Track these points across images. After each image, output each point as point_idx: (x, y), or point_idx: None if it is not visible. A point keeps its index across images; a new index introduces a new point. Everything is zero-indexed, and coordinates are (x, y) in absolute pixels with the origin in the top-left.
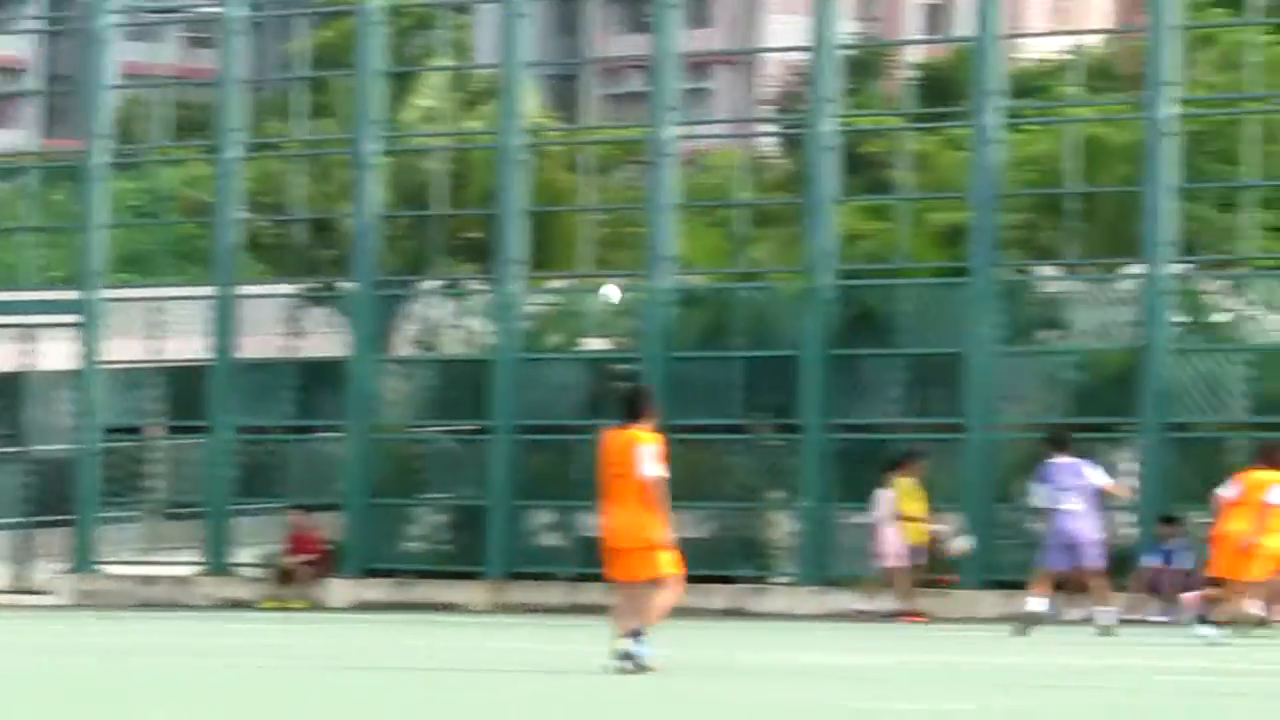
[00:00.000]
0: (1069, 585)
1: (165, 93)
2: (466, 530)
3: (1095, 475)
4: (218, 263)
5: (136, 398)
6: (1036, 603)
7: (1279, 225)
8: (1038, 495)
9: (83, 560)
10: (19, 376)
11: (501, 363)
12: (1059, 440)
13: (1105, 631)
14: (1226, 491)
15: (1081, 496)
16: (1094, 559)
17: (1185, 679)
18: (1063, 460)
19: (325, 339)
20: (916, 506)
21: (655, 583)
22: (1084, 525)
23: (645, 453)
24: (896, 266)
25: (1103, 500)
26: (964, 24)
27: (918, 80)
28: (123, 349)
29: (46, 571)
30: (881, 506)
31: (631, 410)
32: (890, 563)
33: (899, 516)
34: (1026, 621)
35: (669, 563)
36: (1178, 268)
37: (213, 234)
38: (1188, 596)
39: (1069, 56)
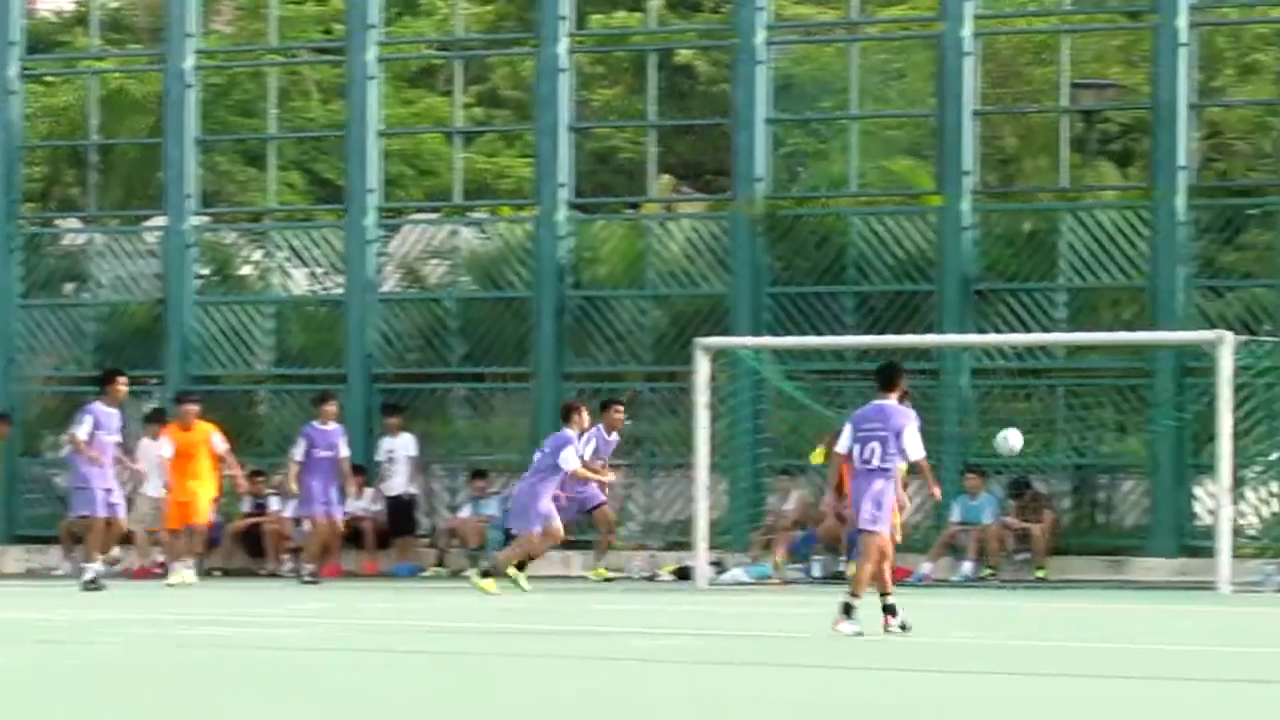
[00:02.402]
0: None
1: None
2: None
3: (81, 427)
4: None
5: None
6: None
7: (299, 180)
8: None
9: None
10: None
11: None
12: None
13: (90, 586)
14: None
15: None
16: (114, 511)
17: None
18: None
19: None
20: None
21: None
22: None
23: None
24: None
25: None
26: None
27: None
28: None
29: None
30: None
31: None
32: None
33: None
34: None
35: None
36: (200, 220)
37: None
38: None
39: (87, 9)
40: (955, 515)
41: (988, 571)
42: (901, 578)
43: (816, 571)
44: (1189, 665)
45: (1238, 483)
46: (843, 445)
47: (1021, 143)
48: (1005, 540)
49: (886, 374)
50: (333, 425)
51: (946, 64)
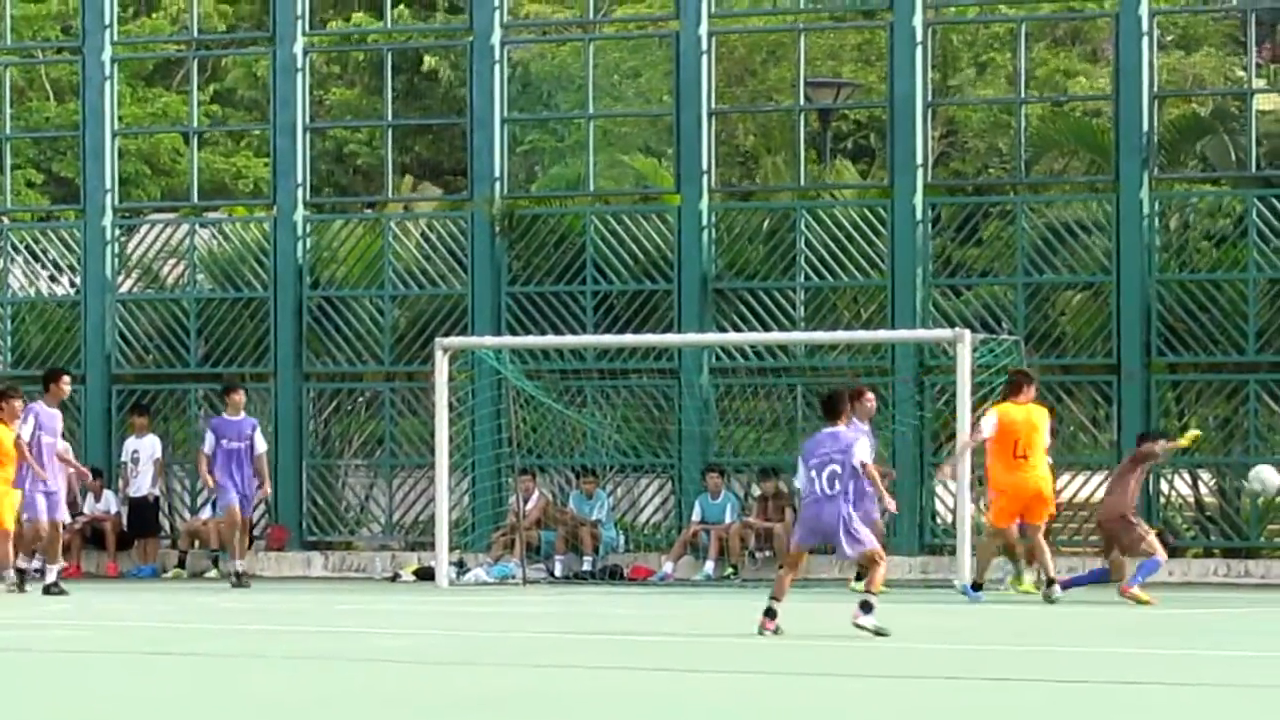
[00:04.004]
0: None
1: None
2: None
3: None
4: None
5: None
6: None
7: (38, 179)
8: None
9: None
10: None
11: None
12: None
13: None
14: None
15: None
16: None
17: None
18: None
19: None
20: None
21: None
22: None
23: None
24: None
25: None
26: None
27: None
28: None
29: None
30: None
31: None
32: None
33: None
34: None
35: None
36: None
37: None
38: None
39: None
40: (696, 514)
41: (730, 571)
42: (643, 577)
43: (558, 571)
44: (934, 663)
45: (978, 481)
46: (799, 480)
47: (759, 141)
48: (747, 539)
49: (831, 404)
50: (241, 415)
51: (683, 62)
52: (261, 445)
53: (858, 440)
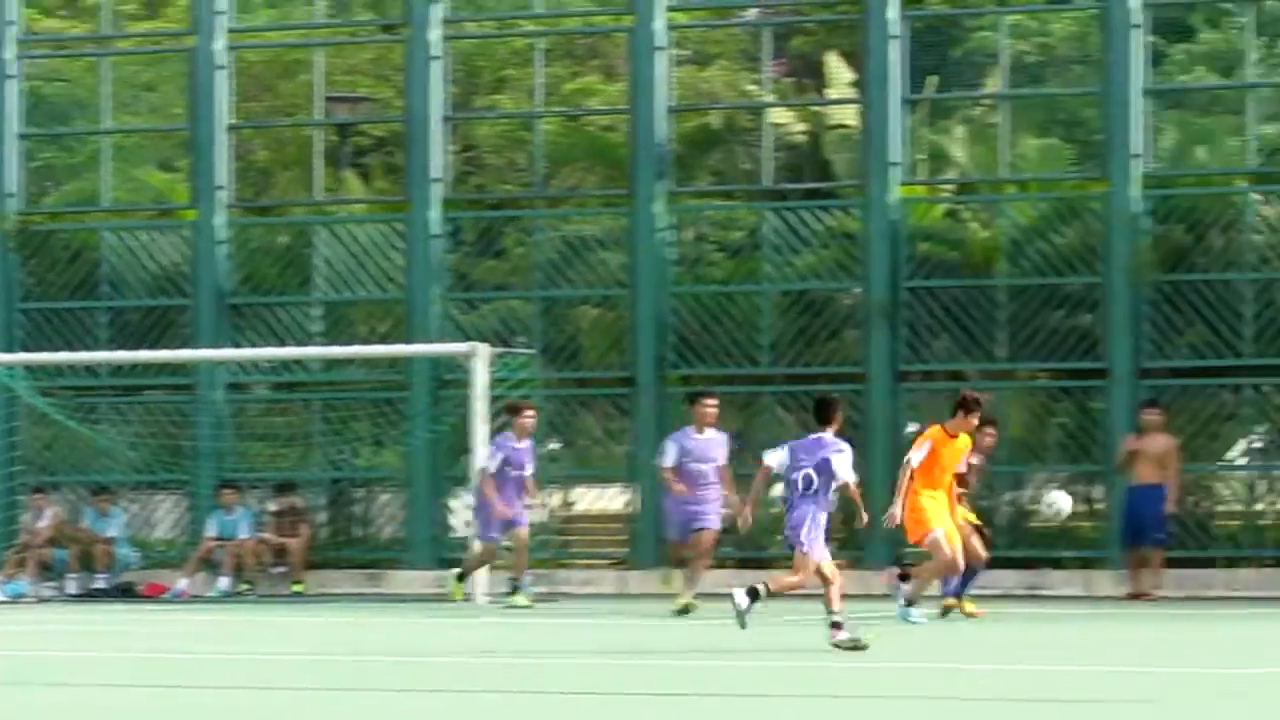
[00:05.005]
0: None
1: None
2: None
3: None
4: None
5: None
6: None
7: None
8: None
9: None
10: None
11: None
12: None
13: None
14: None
15: None
16: None
17: None
18: None
19: None
20: None
21: None
22: None
23: None
24: None
25: None
26: None
27: None
28: None
29: None
30: None
31: None
32: None
33: None
34: None
35: None
36: None
37: None
38: None
39: None
40: (211, 530)
41: (245, 586)
42: (157, 594)
43: (72, 589)
44: (448, 676)
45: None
46: (776, 463)
47: (275, 156)
48: (262, 555)
49: (822, 409)
50: None
51: (199, 77)
52: None
53: (836, 455)
